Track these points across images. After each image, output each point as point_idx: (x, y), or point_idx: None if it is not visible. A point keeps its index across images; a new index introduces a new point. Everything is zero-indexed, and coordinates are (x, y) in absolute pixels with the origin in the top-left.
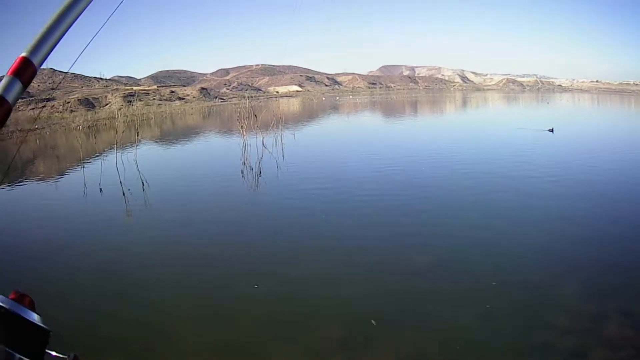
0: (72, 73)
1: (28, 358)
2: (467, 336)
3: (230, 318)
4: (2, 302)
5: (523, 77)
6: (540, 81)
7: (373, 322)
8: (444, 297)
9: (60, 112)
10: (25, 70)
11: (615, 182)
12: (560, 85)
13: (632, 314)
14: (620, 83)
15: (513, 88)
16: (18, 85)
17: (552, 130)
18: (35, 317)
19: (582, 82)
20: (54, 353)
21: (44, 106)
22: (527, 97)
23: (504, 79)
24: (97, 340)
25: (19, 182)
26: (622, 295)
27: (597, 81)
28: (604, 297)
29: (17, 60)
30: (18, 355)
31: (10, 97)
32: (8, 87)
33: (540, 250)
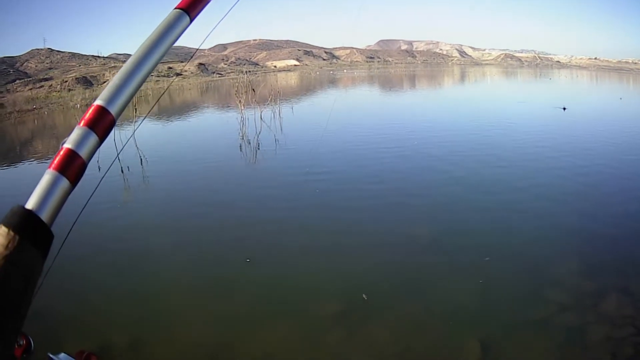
0: (69, 52)
1: None
2: (463, 311)
3: (229, 292)
4: None
5: (521, 52)
6: (539, 57)
7: (364, 296)
8: (441, 271)
9: (58, 92)
10: (102, 121)
11: (624, 159)
12: (558, 62)
13: (632, 292)
14: (619, 61)
15: (511, 63)
16: (93, 139)
17: (564, 109)
18: None
19: (581, 58)
20: None
21: (42, 86)
22: (525, 72)
23: (502, 54)
24: (94, 314)
25: (17, 162)
26: (623, 273)
27: (595, 58)
28: (604, 274)
29: (92, 109)
30: None
31: (83, 152)
32: (81, 141)
33: (540, 225)
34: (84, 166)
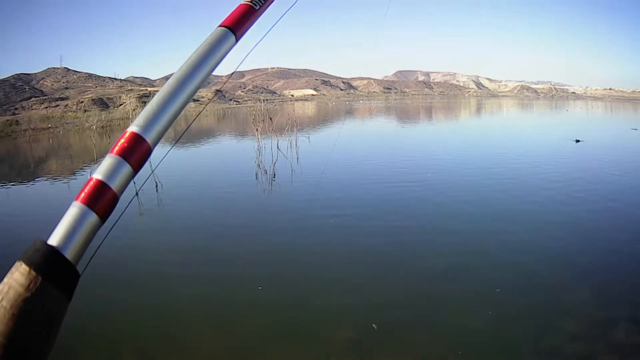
0: (85, 73)
1: None
2: (473, 340)
3: (239, 321)
4: None
5: (537, 84)
6: (554, 88)
7: (374, 325)
8: (452, 302)
9: (74, 112)
10: (137, 150)
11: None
12: (574, 93)
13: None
14: (633, 91)
15: (527, 95)
16: (127, 169)
17: (577, 141)
18: None
19: (596, 89)
20: None
21: (57, 105)
22: (541, 104)
23: (518, 85)
24: (103, 340)
25: (31, 181)
26: (632, 301)
27: (610, 89)
28: (613, 303)
29: (126, 136)
30: None
31: (115, 184)
32: (113, 171)
33: (550, 256)
34: (115, 200)
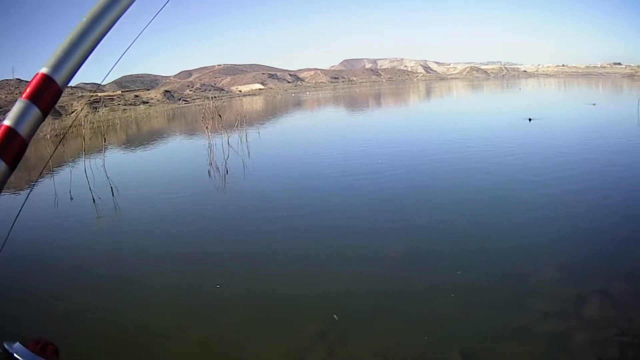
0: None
1: None
2: (444, 323)
3: (204, 318)
4: (21, 355)
5: (487, 64)
6: (505, 68)
7: (335, 317)
8: (419, 287)
9: None
10: (46, 92)
11: (600, 167)
12: (525, 71)
13: (611, 294)
14: (587, 66)
15: (477, 76)
16: (35, 113)
17: (529, 120)
18: None
19: (548, 67)
20: None
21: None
22: (492, 84)
23: (467, 67)
24: (71, 343)
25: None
26: (601, 276)
27: (563, 65)
28: (583, 279)
29: (36, 79)
30: None
31: (24, 129)
32: (22, 116)
33: (517, 233)
34: (24, 145)
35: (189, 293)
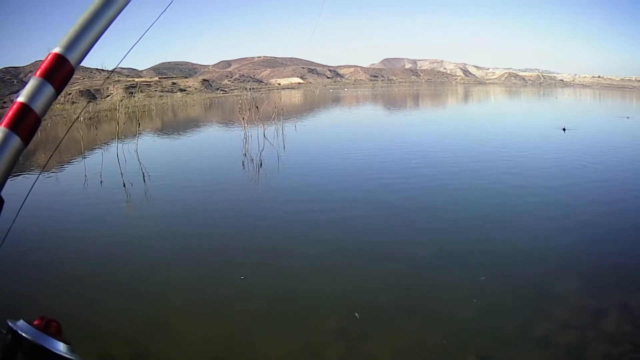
0: None
1: None
2: (463, 329)
3: (226, 308)
4: (25, 332)
5: (525, 71)
6: (542, 76)
7: (357, 314)
8: (442, 289)
9: (62, 104)
10: (59, 71)
11: (626, 177)
12: (562, 80)
13: (631, 309)
14: (622, 79)
15: (515, 82)
16: (49, 90)
17: (564, 130)
18: (62, 348)
19: (584, 77)
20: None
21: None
22: (529, 91)
23: (505, 72)
24: (94, 328)
25: (19, 174)
26: (622, 290)
27: (599, 76)
28: (604, 292)
29: (49, 59)
30: None
31: (37, 106)
32: (36, 93)
33: (540, 244)
34: (37, 122)
35: (213, 283)
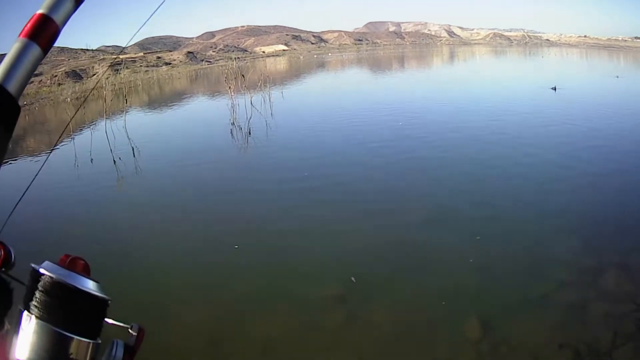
0: (57, 47)
1: (85, 337)
2: (463, 289)
3: (221, 279)
4: (48, 271)
5: (510, 31)
6: (528, 35)
7: (353, 279)
8: (439, 250)
9: (48, 87)
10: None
11: (623, 138)
12: (547, 40)
13: (630, 268)
14: (609, 38)
15: (500, 42)
16: (69, 3)
17: (554, 89)
18: (91, 286)
19: (570, 36)
20: (110, 321)
21: (32, 82)
22: (514, 51)
23: (490, 33)
24: None
25: (9, 160)
26: (621, 249)
27: (585, 36)
28: (602, 251)
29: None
30: (73, 336)
31: (58, 17)
32: (57, 5)
33: (537, 203)
34: (57, 32)
35: (208, 254)
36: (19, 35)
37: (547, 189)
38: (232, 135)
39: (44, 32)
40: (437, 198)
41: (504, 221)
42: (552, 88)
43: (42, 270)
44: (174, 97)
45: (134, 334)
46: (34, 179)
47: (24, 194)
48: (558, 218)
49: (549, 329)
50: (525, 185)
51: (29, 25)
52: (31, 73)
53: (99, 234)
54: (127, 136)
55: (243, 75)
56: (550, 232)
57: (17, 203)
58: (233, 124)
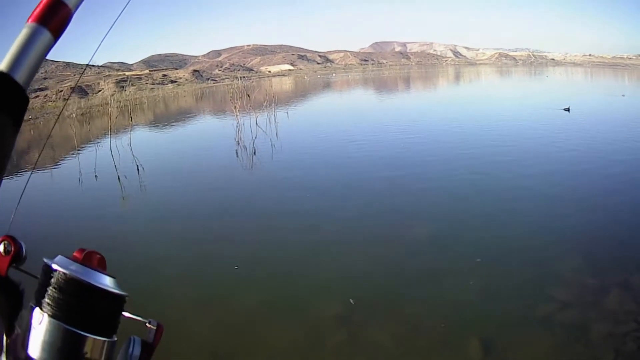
0: (63, 62)
1: (100, 336)
2: (464, 310)
3: (221, 299)
4: (62, 266)
5: (515, 51)
6: (533, 55)
7: (351, 301)
8: (441, 272)
9: (54, 101)
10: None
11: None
12: (552, 59)
13: (632, 287)
14: (614, 57)
15: (506, 62)
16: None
17: (567, 109)
18: (107, 282)
19: (575, 55)
20: (127, 314)
21: (37, 96)
22: (520, 71)
23: (496, 53)
24: None
25: (14, 174)
26: (623, 268)
27: (590, 55)
28: (605, 270)
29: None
30: (87, 335)
31: (71, 1)
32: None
33: (540, 223)
34: (69, 16)
35: (208, 273)
36: (28, 19)
37: (549, 207)
38: (237, 155)
39: (55, 16)
40: (438, 219)
41: (504, 241)
42: (565, 109)
43: (54, 266)
44: (179, 116)
45: (153, 328)
46: (31, 174)
47: (24, 191)
48: (561, 237)
49: (551, 350)
50: (525, 204)
51: (38, 8)
52: (41, 61)
53: (101, 251)
54: (132, 153)
55: (249, 95)
56: (552, 251)
57: (20, 199)
58: (238, 143)
